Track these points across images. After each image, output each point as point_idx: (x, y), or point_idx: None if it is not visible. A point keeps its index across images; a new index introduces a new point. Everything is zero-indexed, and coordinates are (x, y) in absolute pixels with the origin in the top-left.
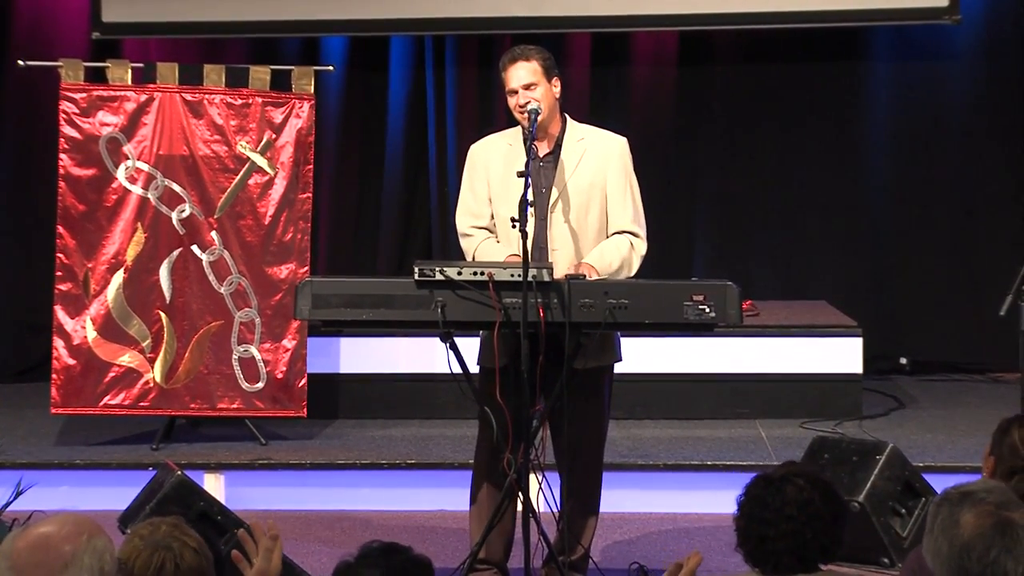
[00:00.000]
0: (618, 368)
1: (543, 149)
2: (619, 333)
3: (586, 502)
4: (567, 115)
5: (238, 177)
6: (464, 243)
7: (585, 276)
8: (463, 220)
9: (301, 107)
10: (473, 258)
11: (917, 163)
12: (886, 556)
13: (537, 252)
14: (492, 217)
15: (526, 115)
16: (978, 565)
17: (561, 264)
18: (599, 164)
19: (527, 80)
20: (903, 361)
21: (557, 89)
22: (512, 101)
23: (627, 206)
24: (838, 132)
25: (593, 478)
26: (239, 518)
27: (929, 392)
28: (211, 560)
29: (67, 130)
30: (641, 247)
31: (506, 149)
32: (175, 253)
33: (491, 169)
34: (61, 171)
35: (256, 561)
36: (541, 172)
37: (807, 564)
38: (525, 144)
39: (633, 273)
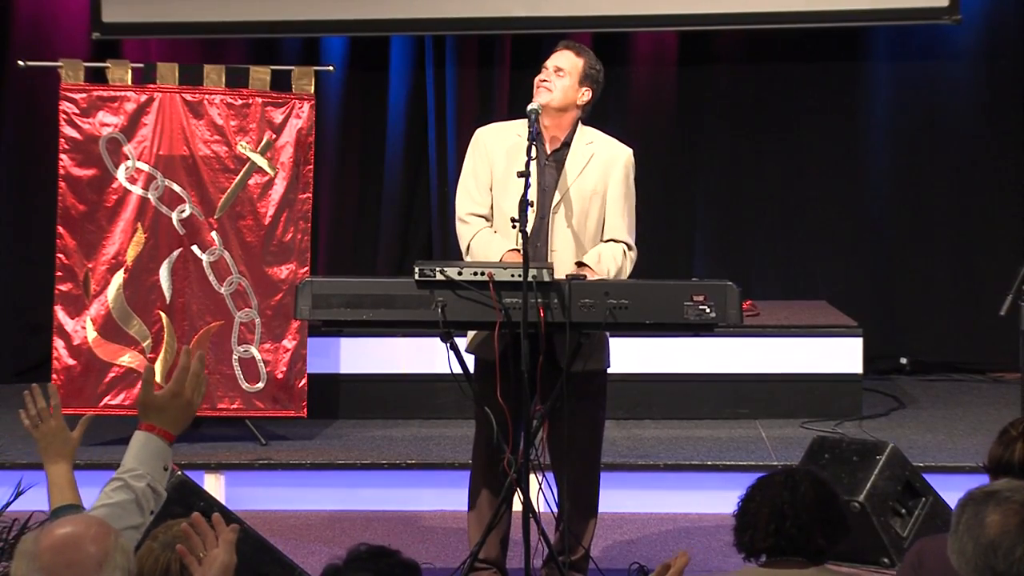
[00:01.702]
0: (619, 368)
1: (548, 148)
2: (608, 336)
3: (585, 504)
4: (580, 119)
5: (238, 177)
6: (460, 228)
7: (585, 277)
8: (463, 204)
9: (301, 107)
10: (468, 247)
11: (917, 163)
12: (886, 556)
13: (533, 250)
14: (492, 206)
15: (531, 111)
16: (1004, 563)
17: (560, 267)
18: (603, 171)
19: (561, 65)
20: (903, 361)
21: (585, 98)
22: (538, 76)
23: (622, 217)
24: (838, 132)
25: (591, 480)
26: (239, 518)
27: (929, 392)
28: None
29: (67, 130)
30: (632, 256)
31: (514, 140)
32: (175, 253)
33: (495, 158)
34: (61, 171)
35: (217, 554)
36: (545, 171)
37: (786, 551)
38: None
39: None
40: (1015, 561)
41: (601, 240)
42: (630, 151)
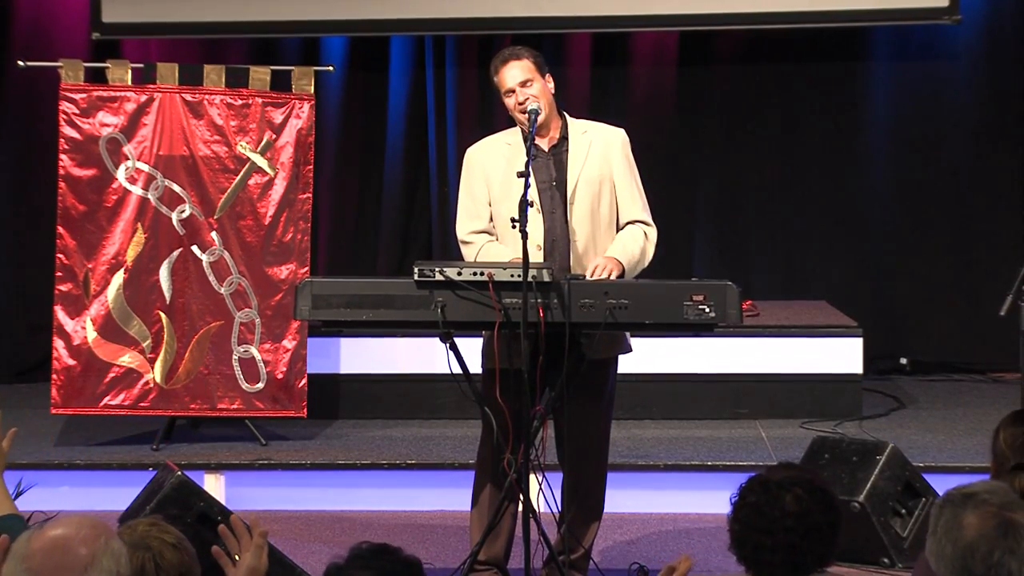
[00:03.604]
0: (619, 368)
1: (545, 146)
2: None
3: (589, 506)
4: (565, 112)
5: (238, 177)
6: (465, 251)
7: (584, 277)
8: (463, 226)
9: (301, 107)
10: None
11: (917, 163)
12: (886, 556)
13: (550, 246)
14: (491, 219)
15: (526, 115)
16: (982, 566)
17: (580, 258)
18: (604, 156)
19: (522, 77)
20: (903, 361)
21: (551, 85)
22: (510, 101)
23: (635, 196)
24: (838, 132)
25: (599, 482)
26: (238, 517)
27: (929, 392)
28: (193, 555)
29: (67, 130)
30: (653, 234)
31: (506, 149)
32: (175, 253)
33: (491, 170)
34: (61, 171)
35: (246, 557)
36: (550, 167)
37: (801, 571)
38: (525, 144)
39: (648, 260)
40: (993, 564)
41: (618, 224)
42: (622, 130)
